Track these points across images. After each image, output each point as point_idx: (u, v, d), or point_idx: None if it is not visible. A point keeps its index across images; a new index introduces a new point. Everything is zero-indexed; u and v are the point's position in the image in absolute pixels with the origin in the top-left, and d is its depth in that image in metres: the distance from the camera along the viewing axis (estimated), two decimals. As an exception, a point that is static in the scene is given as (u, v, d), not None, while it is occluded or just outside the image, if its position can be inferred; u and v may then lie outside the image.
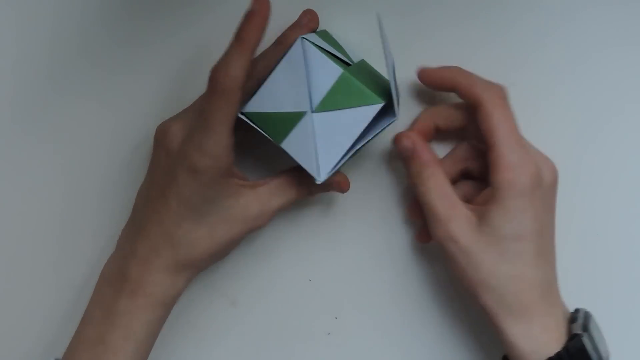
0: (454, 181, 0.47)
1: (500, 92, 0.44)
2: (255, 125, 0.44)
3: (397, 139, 0.46)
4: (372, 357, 0.52)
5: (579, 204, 0.50)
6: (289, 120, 0.43)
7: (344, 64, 0.44)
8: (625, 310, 0.50)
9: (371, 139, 0.44)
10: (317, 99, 0.43)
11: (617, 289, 0.50)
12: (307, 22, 0.47)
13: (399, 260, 0.51)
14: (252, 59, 0.42)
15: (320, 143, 0.43)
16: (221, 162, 0.42)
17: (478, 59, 0.49)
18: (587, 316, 0.44)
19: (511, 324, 0.43)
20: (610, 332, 0.44)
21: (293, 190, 0.46)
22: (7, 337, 0.52)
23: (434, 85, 0.47)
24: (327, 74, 0.43)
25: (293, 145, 0.44)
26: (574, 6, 0.49)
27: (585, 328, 0.42)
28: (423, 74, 0.47)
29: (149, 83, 0.50)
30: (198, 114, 0.43)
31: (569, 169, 0.49)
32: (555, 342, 0.42)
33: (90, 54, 0.50)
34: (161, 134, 0.45)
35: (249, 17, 0.41)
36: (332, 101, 0.43)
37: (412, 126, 0.48)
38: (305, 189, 0.47)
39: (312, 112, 0.43)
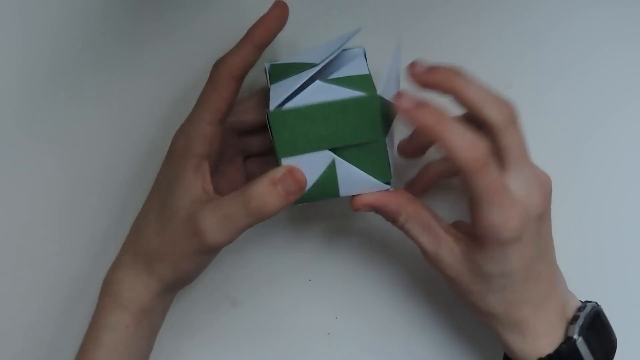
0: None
1: (481, 157, 0.39)
2: (269, 75, 0.44)
3: (354, 209, 0.44)
4: (372, 357, 0.52)
5: (577, 204, 0.50)
6: (296, 69, 0.43)
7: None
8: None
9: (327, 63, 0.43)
10: (332, 75, 0.43)
11: (619, 286, 0.50)
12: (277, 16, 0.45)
13: (399, 260, 0.51)
14: (255, 58, 0.43)
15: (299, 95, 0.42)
16: (192, 143, 0.43)
17: (476, 59, 0.49)
18: (592, 314, 0.43)
19: (505, 332, 0.43)
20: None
21: (244, 214, 0.41)
22: (6, 335, 0.52)
23: (426, 88, 0.42)
24: (355, 66, 0.44)
25: (279, 86, 0.43)
26: (572, 7, 0.49)
27: (584, 328, 0.42)
28: (415, 74, 0.42)
29: (151, 84, 0.50)
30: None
31: (567, 169, 0.49)
32: (550, 345, 0.42)
33: (91, 55, 0.50)
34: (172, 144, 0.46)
35: (263, 18, 0.43)
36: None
37: (410, 188, 0.48)
38: (257, 213, 0.41)
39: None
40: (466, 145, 0.39)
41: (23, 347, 0.52)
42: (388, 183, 0.43)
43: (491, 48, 0.50)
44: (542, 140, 0.50)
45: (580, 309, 0.44)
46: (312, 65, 0.43)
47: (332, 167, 0.42)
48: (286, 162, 0.42)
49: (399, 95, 0.40)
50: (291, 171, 0.41)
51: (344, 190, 0.43)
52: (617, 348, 0.44)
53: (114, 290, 0.44)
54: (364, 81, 0.43)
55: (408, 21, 0.50)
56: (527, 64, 0.50)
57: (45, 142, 0.51)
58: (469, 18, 0.50)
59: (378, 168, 0.43)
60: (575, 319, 0.43)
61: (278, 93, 0.42)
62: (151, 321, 0.46)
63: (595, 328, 0.43)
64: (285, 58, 0.46)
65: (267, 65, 0.45)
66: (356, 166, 0.42)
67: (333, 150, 0.42)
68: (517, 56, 0.50)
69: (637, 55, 0.49)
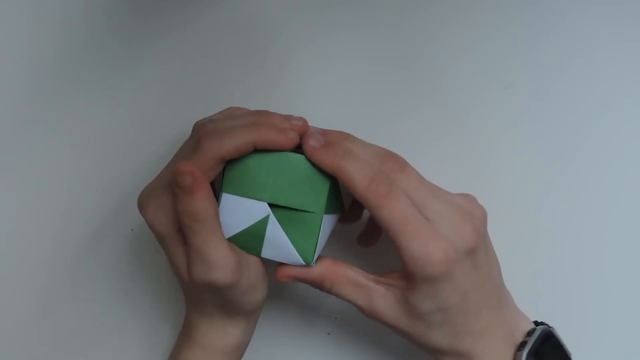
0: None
1: (380, 187, 0.40)
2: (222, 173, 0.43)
3: (277, 280, 0.44)
4: (372, 357, 0.52)
5: (575, 204, 0.50)
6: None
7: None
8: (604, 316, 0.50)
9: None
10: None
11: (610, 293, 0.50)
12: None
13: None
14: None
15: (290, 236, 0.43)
16: (169, 221, 0.42)
17: (475, 59, 0.50)
18: (542, 337, 0.43)
19: None
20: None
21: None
22: (11, 331, 0.52)
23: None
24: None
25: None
26: (571, 7, 0.50)
27: (535, 354, 0.42)
28: (310, 153, 0.41)
29: (155, 80, 0.51)
30: (191, 247, 0.41)
31: (566, 169, 0.49)
32: None
33: (96, 53, 0.50)
34: (141, 206, 0.44)
35: (259, 124, 0.41)
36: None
37: (359, 240, 0.49)
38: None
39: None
40: (363, 178, 0.39)
41: (30, 341, 0.52)
42: (308, 264, 0.43)
43: (490, 48, 0.50)
44: (542, 140, 0.50)
45: (529, 333, 0.43)
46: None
47: (264, 221, 0.42)
48: (226, 198, 0.42)
49: (308, 135, 0.41)
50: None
51: (266, 252, 0.43)
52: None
53: (204, 341, 0.46)
54: (311, 223, 0.42)
55: (406, 20, 0.50)
56: (526, 64, 0.50)
57: (50, 137, 0.51)
58: (468, 18, 0.50)
59: (305, 242, 0.43)
60: (522, 344, 0.42)
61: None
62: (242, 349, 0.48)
63: (544, 352, 0.42)
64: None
65: None
66: (286, 230, 0.42)
67: (271, 206, 0.42)
68: (516, 56, 0.50)
69: (636, 55, 0.50)
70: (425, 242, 0.39)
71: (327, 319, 0.52)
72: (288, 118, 0.42)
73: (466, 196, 0.43)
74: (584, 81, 0.50)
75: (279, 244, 0.43)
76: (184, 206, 0.40)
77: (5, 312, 0.52)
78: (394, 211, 0.39)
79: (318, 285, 0.44)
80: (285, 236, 0.42)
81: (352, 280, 0.43)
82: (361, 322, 0.52)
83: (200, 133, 0.42)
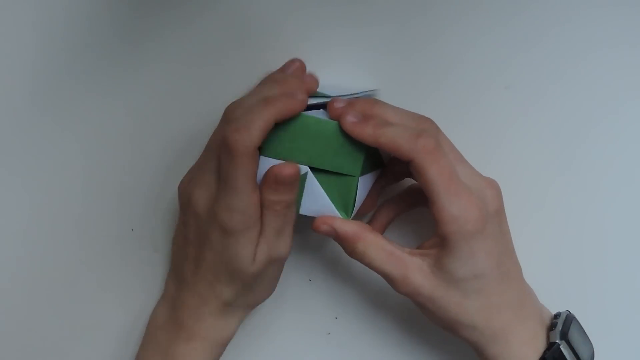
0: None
1: (428, 141, 0.41)
2: None
3: (315, 228, 0.44)
4: (372, 357, 0.52)
5: (574, 203, 0.50)
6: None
7: None
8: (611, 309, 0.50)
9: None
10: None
11: (608, 288, 0.50)
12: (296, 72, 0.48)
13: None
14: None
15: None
16: (249, 216, 0.42)
17: (474, 60, 0.50)
18: (567, 320, 0.44)
19: (489, 346, 0.43)
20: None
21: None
22: (11, 331, 0.52)
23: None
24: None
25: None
26: (570, 7, 0.50)
27: (564, 334, 0.42)
28: (336, 115, 0.43)
29: (156, 80, 0.50)
30: (220, 177, 0.42)
31: (566, 169, 0.49)
32: (534, 353, 0.42)
33: (100, 52, 0.50)
34: (185, 198, 0.45)
35: (291, 84, 0.43)
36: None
37: (371, 223, 0.49)
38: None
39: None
40: (410, 137, 0.41)
41: (36, 346, 0.52)
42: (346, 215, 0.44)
43: (490, 48, 0.50)
44: (541, 140, 0.50)
45: (555, 316, 0.44)
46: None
47: (302, 179, 0.43)
48: (263, 161, 0.43)
49: (341, 109, 0.43)
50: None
51: (305, 208, 0.44)
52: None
53: (203, 335, 0.46)
54: (348, 185, 0.44)
55: (406, 20, 0.50)
56: (526, 64, 0.50)
57: (51, 137, 0.51)
58: (468, 18, 0.50)
59: (343, 200, 0.44)
60: (553, 325, 0.43)
61: None
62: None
63: (573, 334, 0.43)
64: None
65: None
66: (324, 188, 0.44)
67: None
68: (516, 56, 0.50)
69: (635, 56, 0.50)
70: (465, 201, 0.41)
71: (327, 319, 0.52)
72: (292, 76, 0.45)
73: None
74: (583, 81, 0.50)
75: (317, 200, 0.44)
76: (282, 197, 0.42)
77: (5, 312, 0.52)
78: (442, 167, 0.41)
79: (351, 245, 0.44)
80: (324, 193, 0.44)
81: (387, 249, 0.43)
82: (361, 322, 0.52)
83: (225, 129, 0.42)
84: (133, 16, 0.50)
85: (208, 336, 0.46)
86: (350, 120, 0.42)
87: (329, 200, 0.44)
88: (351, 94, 0.46)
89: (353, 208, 0.44)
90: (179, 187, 0.46)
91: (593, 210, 0.50)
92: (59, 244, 0.51)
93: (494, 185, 0.44)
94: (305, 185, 0.44)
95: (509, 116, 0.50)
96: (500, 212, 0.43)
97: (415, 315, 0.51)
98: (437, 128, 0.44)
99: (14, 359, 0.52)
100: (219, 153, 0.42)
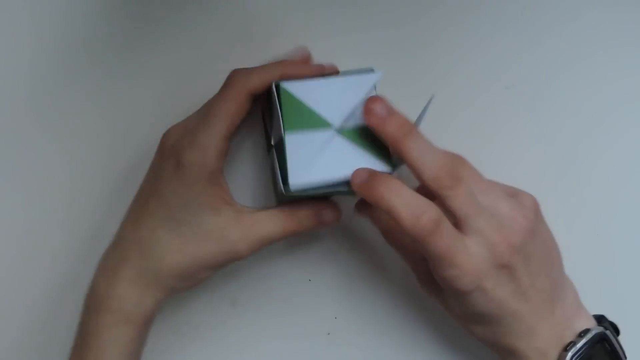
0: None
1: (428, 224, 0.39)
2: (279, 102, 0.42)
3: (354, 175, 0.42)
4: (372, 357, 0.52)
5: (575, 204, 0.50)
6: (313, 121, 0.42)
7: None
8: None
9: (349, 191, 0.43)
10: (349, 125, 0.43)
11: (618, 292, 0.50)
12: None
13: (399, 259, 0.51)
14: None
15: (319, 160, 0.42)
16: (208, 159, 0.42)
17: (476, 60, 0.50)
18: (595, 339, 0.42)
19: (501, 355, 0.44)
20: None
21: (280, 223, 0.44)
22: (5, 333, 0.52)
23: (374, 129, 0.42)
24: None
25: (295, 143, 0.42)
26: (571, 7, 0.50)
27: (581, 356, 0.41)
28: (370, 114, 0.42)
29: (155, 84, 0.51)
30: (201, 111, 0.43)
31: (566, 170, 0.49)
32: None
33: (97, 55, 0.50)
34: (163, 136, 0.45)
35: (301, 62, 0.45)
36: (357, 135, 0.43)
37: None
38: (294, 224, 0.45)
39: (338, 132, 0.43)
40: (412, 214, 0.39)
41: (23, 345, 0.52)
42: (389, 169, 0.43)
43: (490, 48, 0.50)
44: (542, 140, 0.50)
45: (581, 334, 0.42)
46: (327, 125, 0.43)
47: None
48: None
49: (370, 99, 0.41)
50: (333, 206, 0.46)
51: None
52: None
53: (114, 306, 0.43)
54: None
55: (406, 20, 0.50)
56: (526, 64, 0.50)
57: (49, 140, 0.51)
58: (468, 18, 0.50)
59: (378, 150, 0.43)
60: (571, 345, 0.42)
61: (297, 163, 0.42)
62: (150, 325, 0.45)
63: (593, 356, 0.42)
64: (297, 90, 0.43)
65: (277, 87, 0.43)
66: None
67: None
68: (516, 56, 0.50)
69: (635, 55, 0.50)
70: (459, 269, 0.40)
71: (327, 319, 0.52)
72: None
73: (515, 197, 0.43)
74: (584, 81, 0.50)
75: (355, 158, 0.42)
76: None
77: (4, 312, 0.51)
78: (440, 247, 0.40)
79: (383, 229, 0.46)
80: (359, 148, 0.42)
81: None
82: (361, 322, 0.52)
83: (230, 74, 0.43)
84: (130, 19, 0.50)
85: (118, 309, 0.42)
86: (377, 112, 0.41)
87: (367, 152, 0.42)
88: (345, 72, 0.45)
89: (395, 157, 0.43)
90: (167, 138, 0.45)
91: (593, 210, 0.51)
92: (58, 243, 0.51)
93: (509, 232, 0.41)
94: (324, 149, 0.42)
95: (509, 116, 0.50)
96: (509, 263, 0.41)
97: (416, 316, 0.51)
98: (462, 164, 0.43)
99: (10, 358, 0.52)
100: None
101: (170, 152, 0.43)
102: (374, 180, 0.41)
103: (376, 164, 0.42)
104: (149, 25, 0.50)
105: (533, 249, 0.42)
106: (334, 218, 0.46)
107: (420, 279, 0.46)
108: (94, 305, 0.43)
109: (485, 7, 0.50)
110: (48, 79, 0.50)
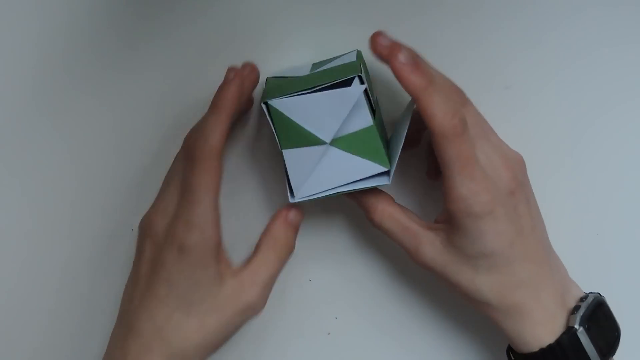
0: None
1: (459, 124, 0.40)
2: (271, 119, 0.44)
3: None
4: (372, 357, 0.52)
5: (575, 204, 0.50)
6: (306, 139, 0.43)
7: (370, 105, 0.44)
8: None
9: (354, 190, 0.45)
10: (340, 134, 0.43)
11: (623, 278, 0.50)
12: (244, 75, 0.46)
13: (399, 259, 0.51)
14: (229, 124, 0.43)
15: (317, 172, 0.44)
16: (209, 235, 0.42)
17: (475, 60, 0.50)
18: (594, 304, 0.43)
19: (504, 322, 0.43)
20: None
21: (273, 257, 0.45)
22: (10, 335, 0.52)
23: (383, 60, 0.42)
24: (359, 118, 0.43)
25: (293, 158, 0.44)
26: (570, 7, 0.50)
27: (586, 319, 0.42)
28: (376, 47, 0.42)
29: (158, 82, 0.51)
30: (180, 190, 0.42)
31: (566, 169, 0.49)
32: (549, 334, 0.42)
33: (100, 54, 0.50)
34: (146, 224, 0.44)
35: (223, 85, 0.43)
36: (349, 144, 0.44)
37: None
38: (283, 248, 0.46)
39: (330, 144, 0.44)
40: (444, 112, 0.40)
41: (26, 347, 0.52)
42: (387, 168, 0.44)
43: (490, 48, 0.50)
44: (542, 140, 0.50)
45: (582, 299, 0.43)
46: (319, 141, 0.44)
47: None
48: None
49: (389, 48, 0.41)
50: (289, 207, 0.46)
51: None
52: (622, 340, 0.44)
53: None
54: (369, 137, 0.44)
55: (405, 20, 0.50)
56: (526, 64, 0.50)
57: (51, 137, 0.51)
58: (466, 18, 0.50)
59: (374, 151, 0.44)
60: (576, 308, 0.43)
61: (298, 176, 0.44)
62: None
63: (597, 319, 0.43)
64: (285, 108, 0.44)
65: (266, 105, 0.44)
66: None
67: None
68: (516, 56, 0.50)
69: (635, 55, 0.50)
70: (477, 184, 0.41)
71: (327, 319, 0.52)
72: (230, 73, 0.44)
73: (508, 148, 0.45)
74: (583, 81, 0.50)
75: (351, 164, 0.44)
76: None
77: (4, 312, 0.51)
78: (462, 151, 0.41)
79: (370, 213, 0.45)
80: (354, 155, 0.44)
81: (402, 222, 0.44)
82: (361, 322, 0.52)
83: (188, 145, 0.44)
84: (131, 19, 0.50)
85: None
86: (401, 60, 0.40)
87: (361, 158, 0.44)
88: (331, 58, 0.46)
89: (384, 150, 0.44)
90: (139, 226, 0.45)
91: (593, 210, 0.51)
92: (58, 243, 0.51)
93: (511, 167, 0.43)
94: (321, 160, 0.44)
95: (509, 116, 0.50)
96: (514, 193, 0.42)
97: (415, 315, 0.51)
98: (466, 100, 0.44)
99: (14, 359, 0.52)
100: (181, 169, 0.43)
101: (167, 239, 0.42)
102: (417, 68, 0.40)
103: (373, 167, 0.44)
104: (154, 23, 0.50)
105: (530, 193, 0.44)
106: (301, 216, 0.47)
107: (412, 254, 0.45)
108: None
109: (485, 7, 0.50)
110: (51, 78, 0.50)
